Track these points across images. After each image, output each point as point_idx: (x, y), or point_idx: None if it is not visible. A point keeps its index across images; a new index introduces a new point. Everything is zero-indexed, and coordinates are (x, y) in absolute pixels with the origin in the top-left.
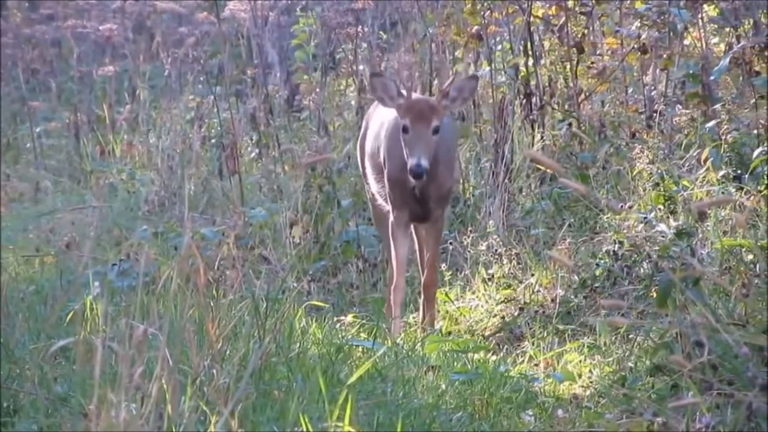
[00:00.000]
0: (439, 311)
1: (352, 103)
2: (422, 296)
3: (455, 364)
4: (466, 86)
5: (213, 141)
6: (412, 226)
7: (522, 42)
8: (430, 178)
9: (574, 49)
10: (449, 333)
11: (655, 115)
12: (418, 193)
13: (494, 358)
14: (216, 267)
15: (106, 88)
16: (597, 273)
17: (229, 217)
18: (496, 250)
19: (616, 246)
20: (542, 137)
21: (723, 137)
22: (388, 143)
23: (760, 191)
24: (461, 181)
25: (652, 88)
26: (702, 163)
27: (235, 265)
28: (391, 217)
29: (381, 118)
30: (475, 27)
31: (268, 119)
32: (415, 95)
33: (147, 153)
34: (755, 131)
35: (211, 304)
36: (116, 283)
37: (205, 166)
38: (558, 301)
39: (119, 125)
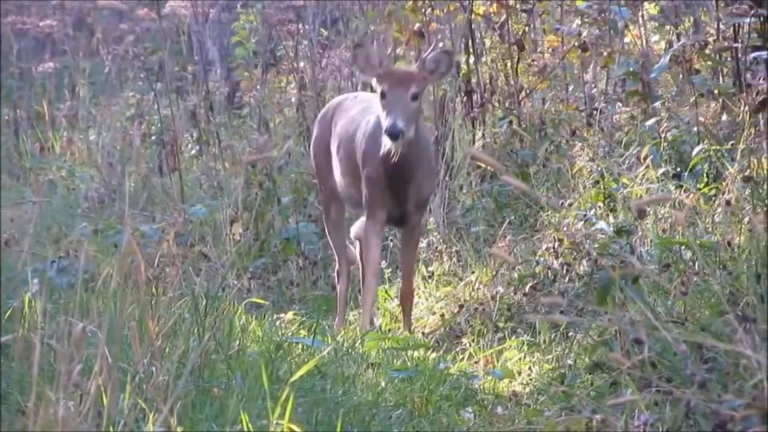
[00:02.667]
0: (378, 308)
1: (293, 100)
2: (400, 305)
3: (395, 361)
4: (443, 60)
5: (153, 138)
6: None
7: (463, 39)
8: (409, 176)
9: (515, 46)
10: (389, 330)
11: (595, 112)
12: (395, 184)
13: (434, 355)
14: (156, 264)
15: (45, 84)
16: (537, 270)
17: (169, 214)
18: (436, 248)
19: (556, 244)
20: (483, 135)
21: (663, 135)
22: (366, 144)
23: (700, 189)
24: None
25: (593, 85)
26: (642, 160)
27: (174, 263)
28: (365, 219)
29: (354, 120)
30: (417, 24)
31: (209, 116)
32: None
33: (87, 150)
34: (695, 129)
35: (151, 301)
36: (55, 281)
37: (145, 163)
38: (498, 298)
39: (59, 122)
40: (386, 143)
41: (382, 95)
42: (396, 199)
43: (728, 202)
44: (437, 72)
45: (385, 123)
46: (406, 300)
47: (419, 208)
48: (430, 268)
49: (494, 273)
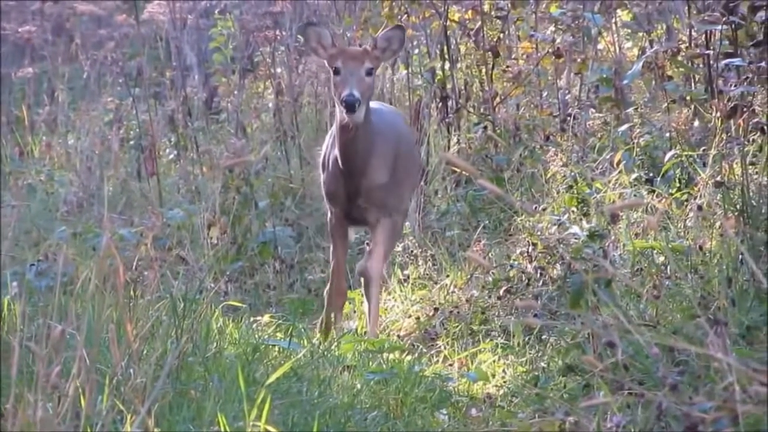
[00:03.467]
0: (355, 311)
1: (270, 105)
2: (363, 292)
3: (370, 363)
4: (394, 36)
5: (131, 143)
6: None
7: (438, 46)
8: (360, 165)
9: (490, 53)
10: (364, 333)
11: (568, 118)
12: (347, 170)
13: (409, 357)
14: (134, 267)
15: (25, 89)
16: (511, 274)
17: (147, 218)
18: (411, 252)
19: (530, 248)
20: (458, 140)
21: (635, 141)
22: (324, 151)
23: (672, 194)
24: None
25: (566, 91)
26: (615, 166)
27: (152, 266)
28: (329, 215)
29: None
30: None
31: (187, 121)
32: None
33: (66, 154)
34: (667, 135)
35: (129, 304)
36: (34, 284)
37: (124, 168)
38: (472, 301)
39: (38, 126)
40: (343, 116)
41: (336, 71)
42: (347, 190)
43: (700, 207)
44: (390, 49)
45: (343, 93)
46: (368, 288)
47: (379, 209)
48: (406, 272)
49: (469, 277)
